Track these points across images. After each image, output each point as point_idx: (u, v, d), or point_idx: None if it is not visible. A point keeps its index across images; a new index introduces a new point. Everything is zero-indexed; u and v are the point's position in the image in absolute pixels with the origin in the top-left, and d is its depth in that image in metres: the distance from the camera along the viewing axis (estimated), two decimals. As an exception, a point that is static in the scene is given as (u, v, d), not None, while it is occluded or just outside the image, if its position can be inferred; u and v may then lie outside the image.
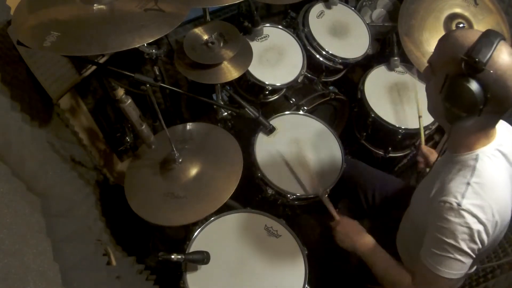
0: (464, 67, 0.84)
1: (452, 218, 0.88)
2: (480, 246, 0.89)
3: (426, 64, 0.99)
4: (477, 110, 0.86)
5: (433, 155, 1.44)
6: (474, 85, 0.84)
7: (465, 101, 0.86)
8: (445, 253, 0.89)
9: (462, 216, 0.87)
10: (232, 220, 1.32)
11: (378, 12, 2.10)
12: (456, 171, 0.95)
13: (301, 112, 1.71)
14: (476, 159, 0.93)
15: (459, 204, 0.87)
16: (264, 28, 1.72)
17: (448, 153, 1.03)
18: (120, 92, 1.12)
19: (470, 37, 0.88)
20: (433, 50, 0.97)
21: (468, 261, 0.90)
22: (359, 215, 1.64)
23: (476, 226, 0.87)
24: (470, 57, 0.83)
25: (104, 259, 1.05)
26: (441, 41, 0.95)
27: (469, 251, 0.88)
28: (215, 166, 1.38)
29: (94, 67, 1.43)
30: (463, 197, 0.88)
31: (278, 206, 1.53)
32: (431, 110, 1.04)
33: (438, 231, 0.90)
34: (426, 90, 1.02)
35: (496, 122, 0.94)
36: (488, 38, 0.85)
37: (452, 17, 1.81)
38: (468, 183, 0.90)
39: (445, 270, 0.90)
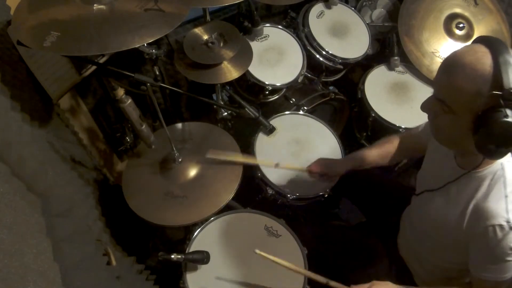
0: (503, 103, 0.77)
1: (506, 237, 0.88)
2: None
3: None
4: None
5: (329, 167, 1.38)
6: None
7: (510, 136, 0.79)
8: (507, 263, 0.91)
9: None
10: (232, 220, 1.32)
11: (378, 12, 2.10)
12: (487, 188, 0.93)
13: (301, 112, 1.71)
14: (502, 168, 0.92)
15: (508, 221, 0.87)
16: (264, 28, 1.72)
17: (461, 170, 0.98)
18: (120, 92, 1.12)
19: (483, 61, 0.80)
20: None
21: None
22: (358, 214, 1.64)
23: None
24: (505, 90, 0.76)
25: (104, 259, 1.05)
26: (452, 75, 0.85)
27: None
28: (215, 166, 1.38)
29: (94, 67, 1.43)
30: (507, 212, 0.88)
31: (278, 206, 1.53)
32: (448, 142, 0.98)
33: (496, 252, 0.91)
34: (433, 123, 0.96)
35: None
36: (503, 56, 0.78)
37: (452, 17, 1.81)
38: (506, 196, 0.89)
39: (509, 273, 0.92)
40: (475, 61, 0.81)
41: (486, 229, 0.89)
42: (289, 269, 1.10)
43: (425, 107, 0.95)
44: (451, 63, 0.86)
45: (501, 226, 0.88)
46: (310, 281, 1.19)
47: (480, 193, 0.93)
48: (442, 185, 1.05)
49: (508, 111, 0.77)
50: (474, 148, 0.85)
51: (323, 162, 1.40)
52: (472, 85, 0.81)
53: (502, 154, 0.84)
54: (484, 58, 0.80)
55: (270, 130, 1.57)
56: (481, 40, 0.85)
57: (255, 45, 1.69)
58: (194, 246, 1.24)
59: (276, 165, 1.38)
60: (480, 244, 0.94)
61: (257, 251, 1.07)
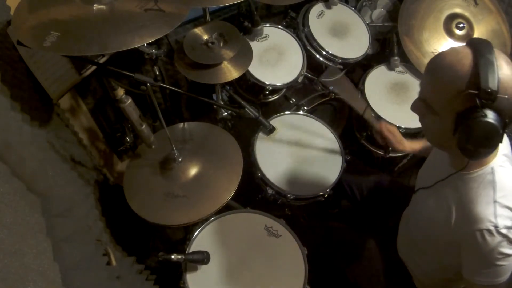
0: (479, 102, 0.77)
1: (494, 242, 0.87)
2: None
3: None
4: (500, 141, 0.81)
5: (393, 133, 1.40)
6: (494, 117, 0.77)
7: (489, 137, 0.79)
8: (498, 267, 0.90)
9: (502, 234, 0.87)
10: (232, 220, 1.32)
11: (378, 12, 2.11)
12: (475, 191, 0.92)
13: (301, 112, 1.71)
14: (492, 173, 0.91)
15: (496, 226, 0.87)
16: (264, 28, 1.72)
17: (452, 170, 0.98)
18: (120, 92, 1.12)
19: (464, 62, 0.80)
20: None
21: None
22: (358, 215, 1.64)
23: None
24: (481, 90, 0.76)
25: (104, 259, 1.05)
26: (432, 75, 0.87)
27: None
28: (215, 166, 1.38)
29: (94, 67, 1.43)
30: (495, 216, 0.87)
31: (278, 206, 1.53)
32: (435, 142, 0.99)
33: (485, 257, 0.90)
34: (422, 123, 0.96)
35: None
36: (485, 57, 0.78)
37: (452, 17, 1.81)
38: (495, 201, 0.88)
39: (504, 277, 0.92)
40: (455, 62, 0.82)
41: (474, 233, 0.89)
42: None
43: (413, 108, 0.96)
44: (433, 64, 0.87)
45: (489, 230, 0.87)
46: (310, 281, 1.19)
47: (468, 196, 0.93)
48: (433, 183, 1.06)
49: (484, 111, 0.77)
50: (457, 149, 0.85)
51: (398, 134, 1.40)
52: (450, 85, 0.82)
53: (482, 154, 0.84)
54: (464, 59, 0.81)
55: (270, 130, 1.57)
56: (469, 42, 0.85)
57: (255, 45, 1.69)
58: (194, 246, 1.24)
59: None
60: (469, 248, 0.94)
61: None
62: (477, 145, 0.81)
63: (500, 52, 0.82)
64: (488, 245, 0.88)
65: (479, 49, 0.80)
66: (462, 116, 0.81)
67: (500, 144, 0.92)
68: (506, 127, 0.81)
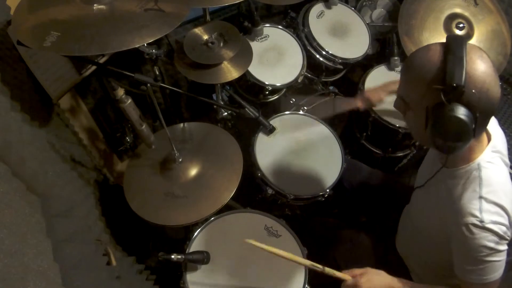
0: (444, 97, 0.78)
1: (480, 236, 0.88)
2: (509, 239, 0.91)
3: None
4: (471, 135, 0.82)
5: (377, 94, 1.48)
6: (461, 111, 0.79)
7: (457, 131, 0.81)
8: (488, 264, 0.90)
9: (488, 229, 0.87)
10: (232, 220, 1.32)
11: (378, 12, 2.11)
12: (462, 186, 0.93)
13: (301, 112, 1.71)
14: (478, 169, 0.92)
15: (481, 221, 0.87)
16: (264, 28, 1.72)
17: (439, 167, 1.00)
18: (120, 92, 1.12)
19: (434, 57, 0.82)
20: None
21: (505, 253, 0.91)
22: (357, 214, 1.64)
23: (502, 228, 0.88)
24: (447, 85, 0.78)
25: (104, 259, 1.05)
26: (406, 72, 0.90)
27: (504, 248, 0.90)
28: (215, 166, 1.38)
29: (94, 67, 1.43)
30: (481, 211, 0.88)
31: (278, 206, 1.53)
32: (418, 139, 1.01)
33: (473, 252, 0.90)
34: (405, 119, 0.98)
35: (486, 126, 0.90)
36: (453, 52, 0.79)
37: (452, 17, 1.81)
38: (481, 197, 0.89)
39: (494, 275, 0.92)
40: (426, 58, 0.84)
41: (460, 228, 0.90)
42: (283, 257, 1.04)
43: (395, 105, 0.98)
44: (407, 62, 0.90)
45: (474, 225, 0.88)
46: (310, 281, 1.19)
47: (455, 192, 0.94)
48: (424, 182, 1.07)
49: (451, 106, 0.79)
50: None
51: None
52: (420, 81, 0.84)
53: (454, 149, 0.85)
54: (434, 56, 0.83)
55: (270, 130, 1.57)
56: (446, 38, 0.86)
57: (255, 45, 1.69)
58: (194, 246, 1.24)
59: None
60: (458, 244, 0.94)
61: (247, 240, 0.98)
62: (446, 139, 0.83)
63: (474, 47, 0.82)
64: (474, 239, 0.88)
65: (450, 46, 0.82)
66: (431, 111, 0.83)
67: (490, 141, 0.94)
68: (480, 121, 0.82)
